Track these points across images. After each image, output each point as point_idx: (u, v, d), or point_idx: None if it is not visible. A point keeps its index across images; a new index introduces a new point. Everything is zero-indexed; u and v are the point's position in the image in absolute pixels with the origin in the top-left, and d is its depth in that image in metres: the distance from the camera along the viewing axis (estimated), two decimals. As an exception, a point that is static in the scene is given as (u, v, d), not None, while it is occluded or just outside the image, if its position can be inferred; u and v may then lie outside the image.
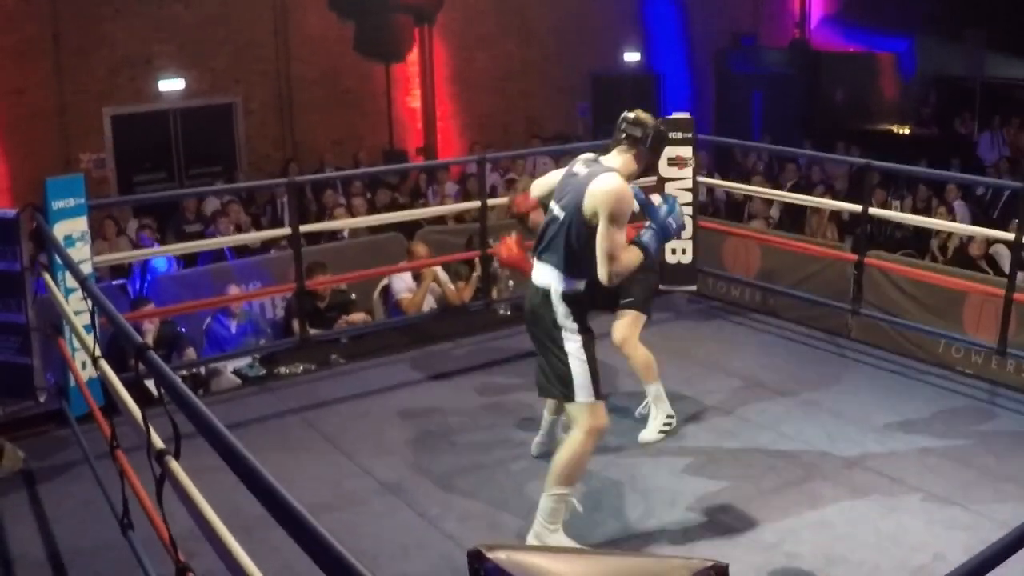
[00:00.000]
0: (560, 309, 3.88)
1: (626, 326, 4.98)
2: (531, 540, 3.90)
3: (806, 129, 15.83)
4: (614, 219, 3.73)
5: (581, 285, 3.90)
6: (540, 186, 4.46)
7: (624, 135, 3.95)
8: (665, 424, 4.98)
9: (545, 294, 3.90)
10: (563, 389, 3.92)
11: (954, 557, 3.67)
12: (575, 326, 3.89)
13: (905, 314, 6.77)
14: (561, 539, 3.90)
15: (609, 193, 3.75)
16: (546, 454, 4.50)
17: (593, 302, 4.08)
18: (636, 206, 3.94)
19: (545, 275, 3.91)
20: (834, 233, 10.33)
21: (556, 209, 3.93)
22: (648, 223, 3.94)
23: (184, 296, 7.40)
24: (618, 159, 3.94)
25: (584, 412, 3.90)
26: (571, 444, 3.93)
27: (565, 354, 3.89)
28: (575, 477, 3.97)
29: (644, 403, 5.07)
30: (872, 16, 17.81)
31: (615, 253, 3.75)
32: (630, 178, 3.92)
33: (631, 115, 3.99)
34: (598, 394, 3.93)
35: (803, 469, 4.64)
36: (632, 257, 3.83)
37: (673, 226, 3.95)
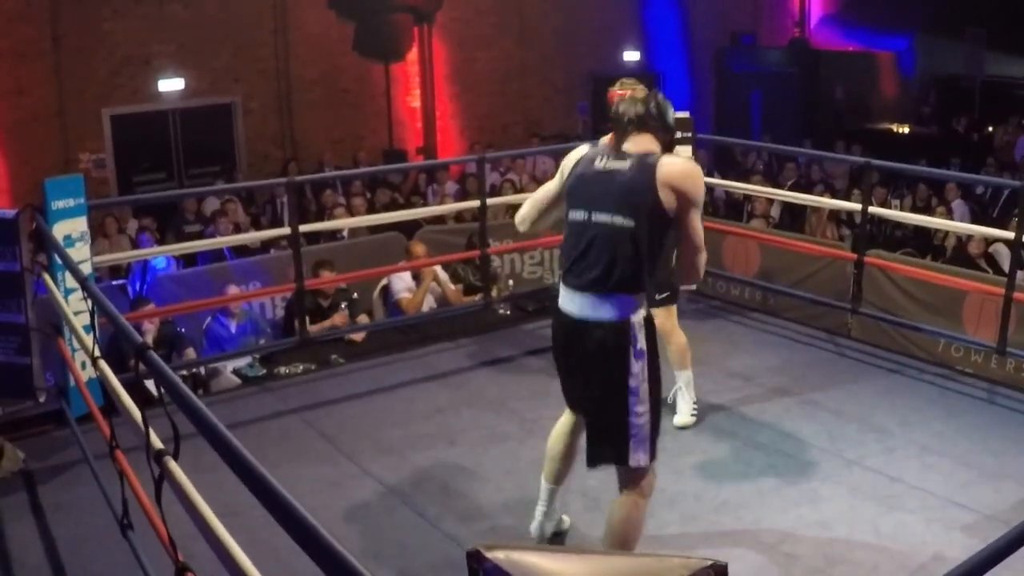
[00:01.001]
0: (640, 340, 3.28)
1: (667, 314, 5.05)
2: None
3: (806, 128, 15.85)
4: (700, 203, 3.30)
5: (645, 300, 3.36)
6: (539, 203, 3.74)
7: (627, 120, 3.39)
8: (694, 409, 5.13)
9: (615, 328, 3.26)
10: (615, 449, 3.34)
11: (953, 556, 3.67)
12: (650, 358, 3.31)
13: (905, 313, 6.77)
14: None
15: (690, 174, 3.26)
16: (548, 535, 3.97)
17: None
18: None
19: (607, 305, 3.26)
20: (834, 232, 10.34)
21: (603, 217, 3.28)
22: None
23: (184, 296, 7.41)
24: (650, 146, 3.39)
25: (635, 474, 3.39)
26: (625, 511, 3.42)
27: (627, 400, 3.28)
28: (636, 543, 3.46)
29: (674, 389, 5.10)
30: (872, 15, 17.83)
31: (702, 241, 3.34)
32: None
33: (626, 97, 3.51)
34: (655, 453, 3.39)
35: (802, 468, 4.64)
36: None
37: None
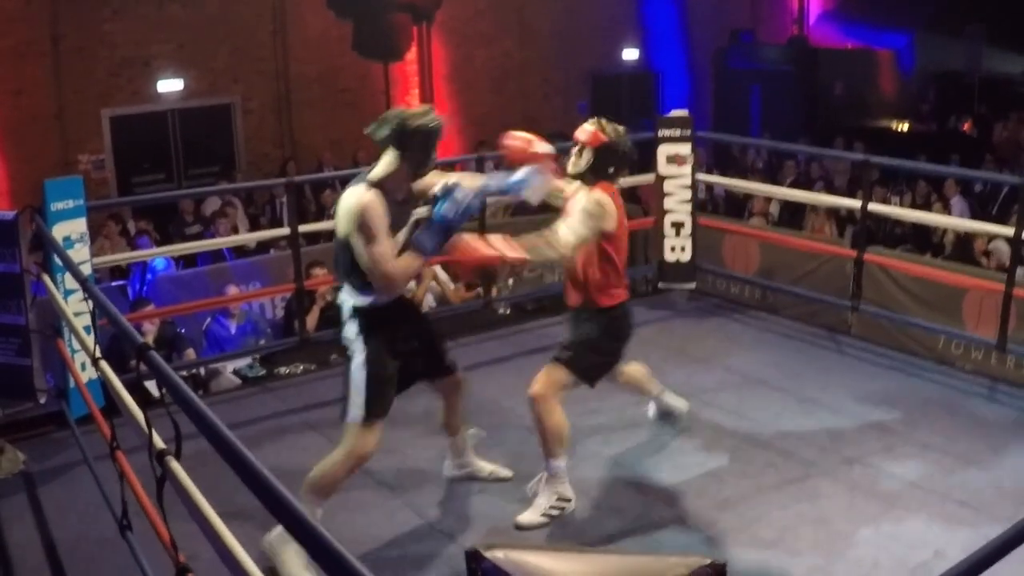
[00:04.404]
0: (350, 324, 3.85)
1: (547, 381, 4.20)
2: (270, 535, 3.73)
3: (805, 126, 15.82)
4: (362, 233, 3.65)
5: (378, 299, 3.83)
6: None
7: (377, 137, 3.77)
8: (554, 508, 4.19)
9: (342, 308, 3.90)
10: (341, 405, 3.88)
11: (954, 554, 3.67)
12: (362, 343, 3.82)
13: (905, 310, 6.77)
14: (288, 553, 3.70)
15: (346, 211, 3.69)
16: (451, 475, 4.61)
17: (401, 317, 3.94)
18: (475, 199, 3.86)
19: (343, 290, 3.90)
20: (833, 230, 10.33)
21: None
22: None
23: (184, 297, 7.41)
24: (382, 164, 3.78)
25: (349, 433, 3.84)
26: (329, 460, 3.86)
27: (348, 370, 3.85)
28: (323, 494, 3.87)
29: (536, 479, 4.28)
30: (871, 12, 17.81)
31: (378, 266, 3.67)
32: (398, 181, 3.76)
33: (387, 112, 3.80)
34: (368, 416, 3.82)
35: (802, 466, 4.65)
36: (404, 264, 3.76)
37: (449, 215, 3.75)
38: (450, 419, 4.42)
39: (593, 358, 4.28)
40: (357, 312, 3.84)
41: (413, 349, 4.01)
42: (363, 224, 3.65)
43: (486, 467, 4.57)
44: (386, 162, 3.76)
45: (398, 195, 3.78)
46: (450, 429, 4.46)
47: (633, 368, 4.75)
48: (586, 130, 4.28)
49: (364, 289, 3.81)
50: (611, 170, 4.25)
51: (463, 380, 4.35)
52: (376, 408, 3.84)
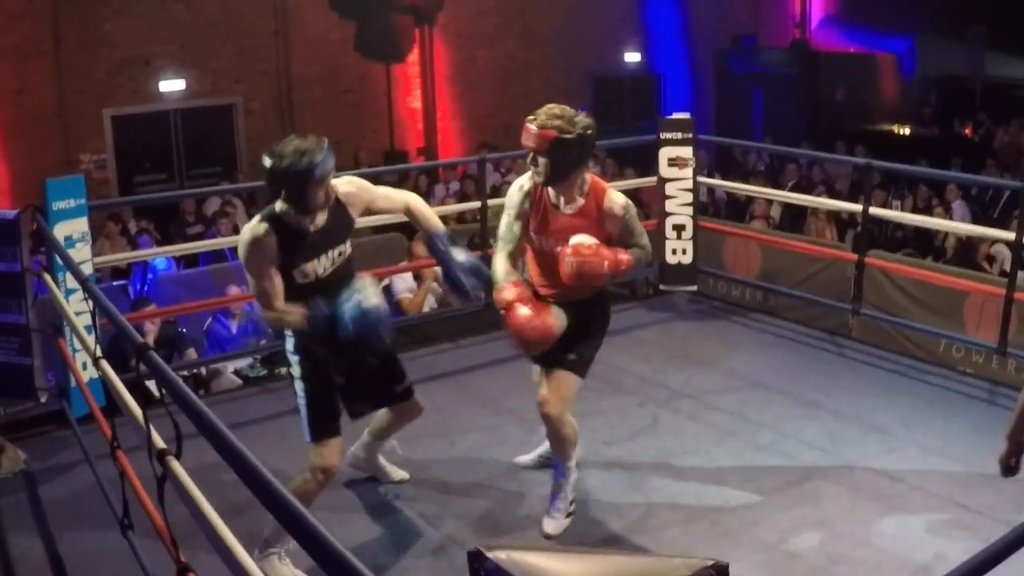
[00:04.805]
0: (287, 339, 3.82)
1: (563, 397, 4.04)
2: (255, 553, 3.61)
3: (807, 129, 15.84)
4: (246, 269, 3.64)
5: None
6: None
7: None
8: (570, 506, 4.18)
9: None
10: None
11: (955, 556, 3.66)
12: (297, 361, 3.79)
13: (906, 314, 6.77)
14: (275, 564, 3.71)
15: (238, 249, 3.70)
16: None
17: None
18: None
19: None
20: (833, 233, 10.33)
21: None
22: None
23: (185, 297, 7.41)
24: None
25: (308, 450, 3.82)
26: (297, 478, 3.82)
27: (293, 387, 3.86)
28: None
29: (562, 485, 4.17)
30: (872, 16, 17.83)
31: (260, 300, 3.68)
32: (299, 215, 3.58)
33: (282, 142, 3.51)
34: (314, 436, 3.78)
35: (804, 468, 4.64)
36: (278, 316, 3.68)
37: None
38: (384, 430, 4.34)
39: (594, 354, 4.15)
40: (291, 334, 3.79)
41: (359, 372, 3.88)
42: (245, 261, 3.63)
43: (395, 473, 4.56)
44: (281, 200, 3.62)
45: (307, 226, 3.64)
46: (377, 435, 4.38)
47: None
48: (531, 133, 3.83)
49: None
50: (578, 161, 3.88)
51: (417, 409, 4.22)
52: (319, 428, 3.79)
